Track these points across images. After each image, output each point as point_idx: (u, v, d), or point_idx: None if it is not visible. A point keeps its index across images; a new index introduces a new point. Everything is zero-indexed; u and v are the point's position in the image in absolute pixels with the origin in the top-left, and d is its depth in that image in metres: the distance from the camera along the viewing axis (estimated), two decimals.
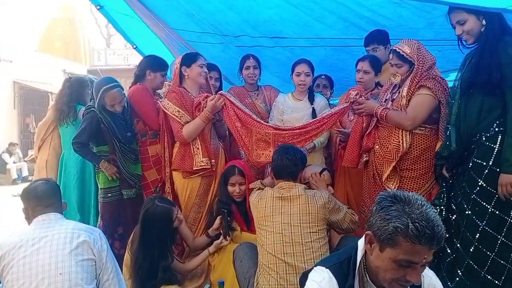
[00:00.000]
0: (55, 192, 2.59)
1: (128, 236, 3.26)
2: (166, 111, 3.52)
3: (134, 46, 5.63)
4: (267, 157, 3.37)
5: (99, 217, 3.84)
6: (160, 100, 3.63)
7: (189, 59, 3.60)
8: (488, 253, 2.66)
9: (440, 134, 3.05)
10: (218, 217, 3.21)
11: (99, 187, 3.76)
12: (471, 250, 2.73)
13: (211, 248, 3.18)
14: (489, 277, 2.66)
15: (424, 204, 1.50)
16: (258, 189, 3.04)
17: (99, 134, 3.64)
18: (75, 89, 4.42)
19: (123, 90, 3.66)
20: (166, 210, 3.01)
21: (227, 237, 3.13)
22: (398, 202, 1.53)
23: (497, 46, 2.61)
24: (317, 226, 2.62)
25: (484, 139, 2.68)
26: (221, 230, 3.19)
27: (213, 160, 3.51)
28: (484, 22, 2.68)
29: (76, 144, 3.63)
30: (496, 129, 2.64)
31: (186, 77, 3.60)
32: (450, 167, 2.92)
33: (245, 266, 2.80)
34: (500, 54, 2.59)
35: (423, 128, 3.10)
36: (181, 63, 3.60)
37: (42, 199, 2.51)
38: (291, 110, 3.90)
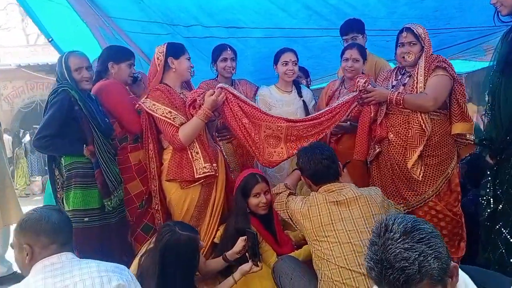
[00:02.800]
0: (70, 224, 1.76)
1: None
2: (153, 113, 2.63)
3: (50, 39, 4.41)
4: (280, 155, 2.73)
5: None
6: (142, 101, 2.69)
7: (177, 50, 2.76)
8: None
9: (454, 117, 2.73)
10: (241, 239, 2.43)
11: (69, 208, 2.67)
12: None
13: (237, 275, 2.37)
14: None
15: (391, 239, 1.13)
16: (286, 194, 2.41)
17: (72, 123, 2.62)
18: None
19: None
20: (192, 239, 2.16)
21: (258, 262, 2.36)
22: (375, 235, 1.20)
23: None
24: None
25: None
26: (246, 254, 2.41)
27: (215, 165, 2.71)
28: None
29: (43, 139, 2.55)
30: None
31: (173, 70, 2.74)
32: (494, 153, 2.53)
33: (300, 284, 2.20)
34: None
35: (438, 113, 2.75)
36: (166, 53, 2.72)
37: (59, 233, 1.65)
38: (281, 104, 3.23)
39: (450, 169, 2.73)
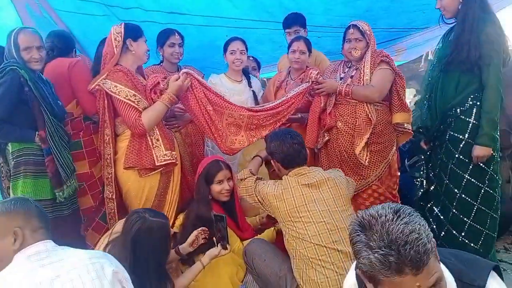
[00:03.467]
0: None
1: None
2: (115, 95, 2.51)
3: None
4: (241, 142, 2.79)
5: None
6: (101, 81, 2.55)
7: (136, 32, 2.65)
8: (465, 219, 2.66)
9: (394, 108, 2.98)
10: (196, 231, 2.45)
11: None
12: (450, 216, 2.70)
13: (205, 260, 2.37)
14: (466, 241, 2.66)
15: (387, 220, 1.09)
16: (253, 179, 2.49)
17: (21, 106, 2.41)
18: None
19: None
20: (164, 225, 2.13)
21: (227, 245, 2.40)
22: (361, 231, 1.14)
23: (477, 24, 2.54)
24: (350, 207, 2.31)
25: (459, 112, 2.64)
26: (214, 238, 2.43)
27: (174, 152, 2.67)
28: None
29: None
30: (471, 103, 2.60)
31: (131, 52, 2.63)
32: (427, 139, 2.85)
33: (275, 264, 2.29)
34: (479, 32, 2.54)
35: (381, 104, 2.98)
36: (125, 34, 2.60)
37: (44, 218, 1.56)
38: (232, 93, 3.27)
39: (390, 155, 3.00)
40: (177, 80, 2.57)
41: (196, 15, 4.26)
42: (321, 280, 2.06)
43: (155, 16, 4.16)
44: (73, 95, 2.73)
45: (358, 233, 1.14)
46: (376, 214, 1.12)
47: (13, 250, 1.48)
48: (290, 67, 3.50)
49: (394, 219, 1.09)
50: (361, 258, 1.11)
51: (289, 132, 2.47)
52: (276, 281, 2.25)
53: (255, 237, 2.63)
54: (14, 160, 2.45)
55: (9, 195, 2.50)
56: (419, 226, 1.09)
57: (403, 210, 1.12)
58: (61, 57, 2.82)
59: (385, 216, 1.11)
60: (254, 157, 2.87)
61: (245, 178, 2.52)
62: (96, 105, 2.63)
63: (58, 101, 2.58)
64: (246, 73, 3.48)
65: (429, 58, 2.99)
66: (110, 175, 2.63)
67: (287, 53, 3.65)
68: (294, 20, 3.71)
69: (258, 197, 2.37)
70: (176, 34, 3.28)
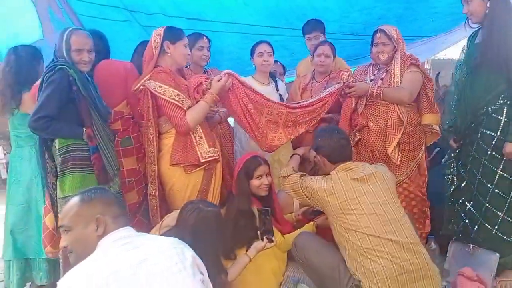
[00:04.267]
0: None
1: None
2: (160, 95, 2.55)
3: None
4: (280, 139, 2.85)
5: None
6: (145, 82, 2.59)
7: (175, 35, 2.69)
8: (499, 212, 2.75)
9: (423, 109, 3.07)
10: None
11: (64, 195, 2.46)
12: (483, 210, 2.80)
13: (252, 253, 2.41)
14: (499, 234, 2.75)
15: None
16: (298, 175, 2.54)
17: (69, 105, 2.44)
18: (25, 63, 2.89)
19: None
20: (218, 215, 2.18)
21: (272, 238, 2.45)
22: None
23: (504, 27, 2.66)
24: (398, 199, 2.39)
25: (490, 111, 2.75)
26: (258, 232, 2.47)
27: (217, 149, 2.72)
28: (488, 4, 2.72)
29: (42, 119, 2.34)
30: (501, 102, 2.71)
31: (168, 55, 2.67)
32: (458, 138, 2.96)
33: (327, 255, 2.34)
34: (506, 35, 2.67)
35: (411, 105, 3.07)
36: (164, 37, 2.66)
37: (122, 206, 1.68)
38: None
39: (420, 154, 3.09)
40: (219, 80, 2.62)
41: (215, 22, 4.33)
42: (376, 270, 2.11)
43: (176, 22, 4.21)
44: (124, 95, 2.78)
45: None
46: None
47: (97, 236, 1.52)
48: (314, 70, 3.59)
49: None
50: None
51: (336, 129, 2.59)
52: (330, 272, 2.28)
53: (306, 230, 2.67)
54: (62, 156, 2.46)
55: (55, 191, 2.50)
56: None
57: None
58: (103, 58, 2.84)
59: None
60: (292, 155, 2.93)
61: (289, 175, 2.58)
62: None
63: (103, 101, 2.60)
64: (273, 76, 3.55)
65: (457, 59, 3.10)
66: (154, 172, 2.66)
67: (309, 56, 3.78)
68: (315, 26, 3.83)
69: (306, 192, 2.42)
70: (205, 38, 3.35)
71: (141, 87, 2.60)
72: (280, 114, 2.80)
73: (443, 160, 3.70)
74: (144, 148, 2.79)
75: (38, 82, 2.53)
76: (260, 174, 2.66)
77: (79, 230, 1.55)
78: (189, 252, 1.56)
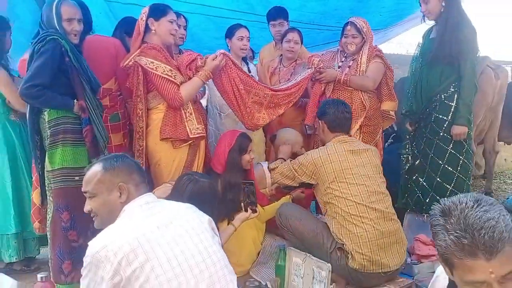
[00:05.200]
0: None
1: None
2: (153, 71, 2.56)
3: None
4: (264, 119, 3.02)
5: (52, 209, 2.48)
6: (135, 58, 2.60)
7: (158, 11, 2.68)
8: (447, 185, 3.17)
9: (383, 97, 3.42)
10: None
11: (53, 168, 2.42)
12: (434, 184, 3.20)
13: (236, 223, 2.58)
14: None
15: (467, 207, 1.09)
16: (287, 162, 2.81)
17: (60, 76, 2.39)
18: None
19: None
20: (213, 185, 2.30)
21: (256, 209, 2.62)
22: (441, 216, 1.16)
23: (457, 25, 3.04)
24: (382, 175, 2.66)
25: (443, 97, 3.14)
26: (242, 204, 2.64)
27: (203, 126, 2.82)
28: (443, 3, 3.08)
29: (34, 87, 2.29)
30: (452, 90, 3.10)
31: (153, 32, 2.68)
32: (413, 122, 3.33)
33: (310, 223, 2.57)
34: (458, 32, 3.07)
35: (372, 92, 3.39)
36: (148, 14, 2.66)
37: (143, 174, 1.65)
38: None
39: (378, 136, 3.42)
40: (214, 59, 2.71)
41: (180, 1, 4.32)
42: (360, 233, 2.39)
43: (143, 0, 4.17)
44: (113, 72, 2.76)
45: (437, 218, 1.15)
46: (458, 201, 1.12)
47: (120, 203, 1.58)
48: (281, 55, 3.78)
49: (474, 207, 1.09)
50: (438, 240, 1.14)
51: (343, 102, 2.81)
52: (314, 237, 2.52)
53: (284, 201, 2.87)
54: (52, 128, 2.41)
55: (43, 163, 2.46)
56: (498, 215, 1.07)
57: (485, 200, 1.12)
58: (87, 29, 2.79)
59: (466, 203, 1.11)
60: (277, 159, 3.10)
61: (276, 166, 2.80)
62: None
63: (93, 74, 2.58)
64: (245, 59, 3.67)
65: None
66: (142, 147, 2.68)
67: (272, 42, 3.96)
68: (279, 13, 3.97)
69: (298, 170, 2.62)
70: (182, 17, 3.39)
71: (131, 62, 2.60)
72: (265, 96, 2.96)
73: (386, 144, 4.12)
74: (130, 125, 2.80)
75: (26, 55, 2.45)
76: (250, 149, 2.83)
77: (103, 196, 1.60)
78: (206, 216, 1.69)
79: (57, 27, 2.40)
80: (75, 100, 2.42)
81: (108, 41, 2.83)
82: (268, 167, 2.90)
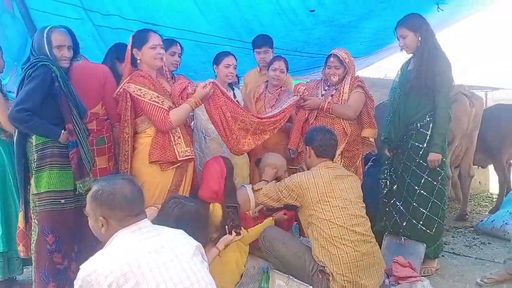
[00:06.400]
0: (142, 195, 1.72)
1: (84, 256, 2.20)
2: (140, 98, 2.64)
3: None
4: (249, 145, 3.08)
5: (37, 232, 2.47)
6: (124, 86, 2.67)
7: (139, 40, 2.74)
8: (423, 210, 3.27)
9: (364, 124, 3.55)
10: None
11: (39, 191, 2.45)
12: (411, 209, 3.30)
13: (221, 245, 2.62)
14: (424, 228, 3.27)
15: None
16: (272, 183, 2.90)
17: (50, 101, 2.45)
18: None
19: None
20: (200, 209, 2.34)
21: (240, 232, 2.68)
22: None
23: (432, 59, 3.20)
24: (362, 201, 2.76)
25: (419, 126, 3.27)
26: (226, 227, 2.69)
27: (192, 149, 2.88)
28: (420, 38, 3.25)
29: (24, 112, 2.33)
30: (428, 119, 3.23)
31: (139, 61, 2.76)
32: (391, 148, 3.45)
33: (293, 246, 2.66)
34: (433, 65, 3.23)
35: (352, 120, 3.52)
36: (132, 44, 2.75)
37: (133, 206, 1.63)
38: None
39: (358, 161, 3.54)
40: (204, 87, 2.79)
41: (169, 27, 4.42)
42: (341, 255, 2.47)
43: (131, 25, 4.24)
44: (100, 98, 2.82)
45: None
46: None
47: (104, 232, 1.62)
48: (267, 81, 3.89)
49: None
50: None
51: (330, 130, 2.92)
52: (296, 261, 2.58)
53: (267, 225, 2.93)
54: (39, 152, 2.44)
55: (27, 186, 2.48)
56: None
57: None
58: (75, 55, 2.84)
59: None
60: (265, 169, 3.20)
61: (261, 188, 2.87)
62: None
63: (80, 99, 2.63)
64: (231, 85, 3.76)
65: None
66: (126, 170, 2.71)
67: (256, 68, 4.09)
68: (265, 41, 4.10)
69: (284, 191, 2.70)
70: (178, 44, 3.47)
71: (121, 90, 2.67)
72: (251, 123, 3.05)
73: (366, 167, 4.24)
74: (114, 148, 2.86)
75: None
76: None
77: (91, 221, 1.66)
78: (195, 242, 1.74)
79: (48, 54, 2.46)
80: (62, 131, 2.46)
81: (97, 67, 2.89)
82: (252, 188, 2.94)
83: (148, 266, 1.50)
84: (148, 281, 1.46)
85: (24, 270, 3.10)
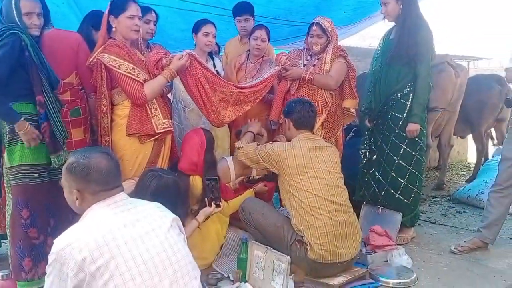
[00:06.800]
0: (119, 168, 1.65)
1: (60, 230, 2.23)
2: (115, 69, 2.54)
3: None
4: (230, 116, 3.04)
5: (11, 206, 2.41)
6: (98, 55, 2.56)
7: (117, 8, 2.62)
8: (400, 179, 3.31)
9: (345, 95, 3.50)
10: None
11: (12, 165, 2.37)
12: (389, 179, 3.34)
13: (201, 218, 2.61)
14: (401, 197, 3.32)
15: None
16: (254, 145, 2.88)
17: (19, 70, 2.33)
18: None
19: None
20: (177, 182, 2.32)
21: (220, 204, 2.67)
22: None
23: (413, 28, 3.16)
24: (340, 172, 2.76)
25: (399, 96, 3.26)
26: (206, 199, 2.68)
27: (170, 121, 2.82)
28: (401, 6, 3.18)
29: None
30: (408, 89, 3.22)
31: (114, 29, 2.64)
32: (372, 119, 3.44)
33: (272, 217, 2.67)
34: (415, 35, 3.19)
35: (333, 90, 3.47)
36: (109, 11, 2.63)
37: (108, 180, 1.57)
38: None
39: (338, 132, 3.52)
40: (180, 59, 2.70)
41: None
42: (319, 225, 2.49)
43: None
44: (74, 67, 2.70)
45: None
46: None
47: (78, 205, 1.58)
48: (248, 51, 3.80)
49: None
50: None
51: (308, 101, 2.88)
52: (275, 230, 2.60)
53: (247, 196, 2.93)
54: (11, 125, 2.36)
55: (2, 159, 2.40)
56: None
57: None
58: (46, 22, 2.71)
59: None
60: (246, 132, 3.18)
61: (243, 146, 2.87)
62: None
63: (53, 70, 2.52)
64: (210, 54, 3.66)
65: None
66: (107, 143, 2.65)
67: (237, 36, 3.98)
68: (245, 9, 3.96)
69: (264, 156, 2.71)
70: (153, 12, 3.34)
71: (94, 60, 2.57)
72: (231, 93, 2.99)
73: (347, 138, 4.25)
74: (90, 119, 2.78)
75: None
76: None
77: (66, 192, 1.61)
78: (172, 215, 1.71)
79: (17, 21, 2.33)
80: (22, 118, 2.32)
81: (70, 36, 2.74)
82: (235, 145, 2.98)
83: (123, 239, 1.47)
84: (124, 254, 1.44)
85: (3, 244, 3.05)
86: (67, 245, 1.41)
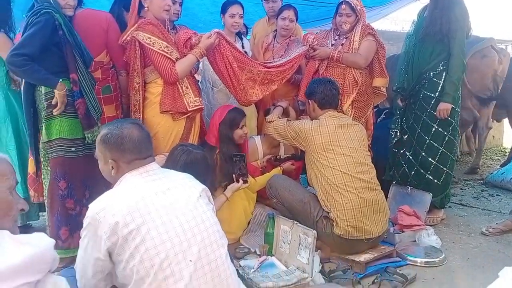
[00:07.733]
0: (150, 139, 1.71)
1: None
2: (150, 46, 2.59)
3: None
4: (257, 95, 3.05)
5: (49, 178, 2.52)
6: (133, 33, 2.61)
7: None
8: (431, 160, 3.25)
9: (375, 73, 3.42)
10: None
11: (50, 138, 2.47)
12: (419, 158, 3.28)
13: (228, 193, 2.67)
14: (431, 177, 3.26)
15: None
16: (284, 120, 2.90)
17: (53, 49, 2.39)
18: None
19: None
20: (206, 157, 2.35)
21: (247, 180, 2.71)
22: None
23: (447, 4, 3.06)
24: (367, 149, 2.77)
25: (432, 75, 3.18)
26: (234, 175, 2.71)
27: (201, 99, 2.86)
28: None
29: (20, 56, 2.24)
30: (441, 68, 3.14)
31: (146, 9, 2.68)
32: (404, 98, 3.38)
33: (299, 193, 2.68)
34: (449, 11, 3.09)
35: (364, 69, 3.40)
36: None
37: (141, 149, 1.62)
38: None
39: (369, 111, 3.46)
40: (209, 37, 2.73)
41: None
42: (345, 202, 2.49)
43: None
44: (104, 45, 2.77)
45: None
46: None
47: (114, 174, 1.63)
48: (275, 31, 3.78)
49: None
50: None
51: (330, 80, 2.87)
52: (301, 206, 2.62)
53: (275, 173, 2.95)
54: (49, 100, 2.43)
55: (37, 134, 2.50)
56: None
57: None
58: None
59: None
60: (276, 106, 3.20)
61: (274, 120, 2.90)
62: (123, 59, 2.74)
63: (86, 48, 2.59)
64: (239, 35, 3.67)
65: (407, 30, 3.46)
66: (139, 120, 2.73)
67: (265, 17, 3.95)
68: None
69: (292, 133, 2.74)
70: None
71: (128, 38, 2.62)
72: (259, 72, 2.99)
73: (378, 119, 4.18)
74: (121, 97, 2.85)
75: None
76: (243, 124, 2.90)
77: (101, 163, 1.67)
78: (201, 185, 1.75)
79: (51, 1, 2.40)
80: (60, 80, 2.38)
81: (100, 14, 2.80)
82: (266, 119, 3.00)
83: (154, 206, 1.53)
84: (154, 220, 1.49)
85: (40, 218, 3.19)
86: (101, 210, 1.47)
